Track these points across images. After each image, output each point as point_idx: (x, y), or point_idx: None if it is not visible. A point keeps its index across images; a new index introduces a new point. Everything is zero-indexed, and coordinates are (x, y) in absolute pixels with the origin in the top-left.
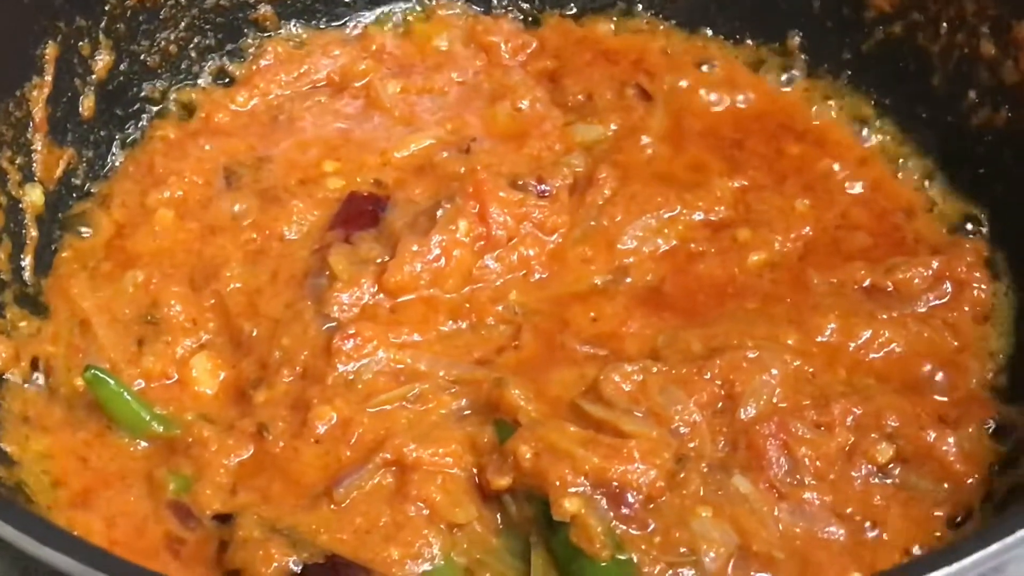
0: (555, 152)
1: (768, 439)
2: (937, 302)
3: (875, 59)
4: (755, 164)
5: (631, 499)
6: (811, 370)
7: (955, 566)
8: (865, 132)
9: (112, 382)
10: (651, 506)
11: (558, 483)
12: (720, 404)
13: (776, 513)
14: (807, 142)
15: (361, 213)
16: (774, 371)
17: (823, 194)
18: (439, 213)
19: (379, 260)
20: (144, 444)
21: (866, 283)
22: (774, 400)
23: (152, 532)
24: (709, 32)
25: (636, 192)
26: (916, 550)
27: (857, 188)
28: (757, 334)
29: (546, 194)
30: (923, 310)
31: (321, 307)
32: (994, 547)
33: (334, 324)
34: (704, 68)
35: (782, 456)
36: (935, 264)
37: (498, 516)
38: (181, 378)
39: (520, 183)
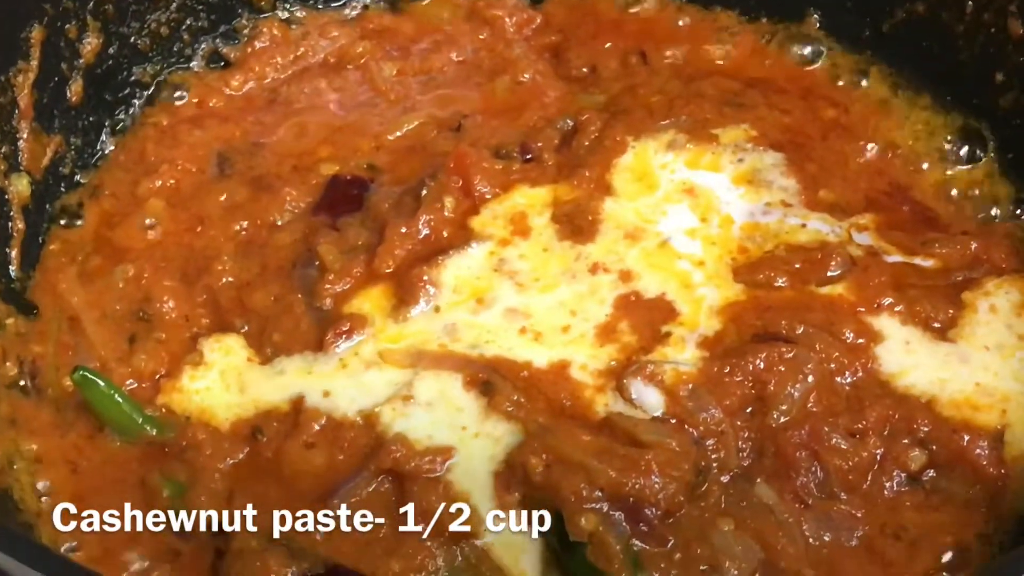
0: (551, 122)
1: (799, 449)
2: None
3: (897, 39)
4: (794, 115)
5: (649, 514)
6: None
7: None
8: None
9: (102, 383)
10: (670, 520)
11: (573, 498)
12: (750, 408)
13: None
14: (840, 109)
15: (345, 197)
16: (809, 366)
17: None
18: (423, 192)
19: (367, 245)
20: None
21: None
22: (808, 405)
23: (146, 541)
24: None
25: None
26: (947, 558)
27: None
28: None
29: (530, 159)
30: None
31: (312, 300)
32: None
33: (326, 317)
34: (718, 40)
35: (813, 466)
36: (973, 245)
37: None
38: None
39: (503, 152)
